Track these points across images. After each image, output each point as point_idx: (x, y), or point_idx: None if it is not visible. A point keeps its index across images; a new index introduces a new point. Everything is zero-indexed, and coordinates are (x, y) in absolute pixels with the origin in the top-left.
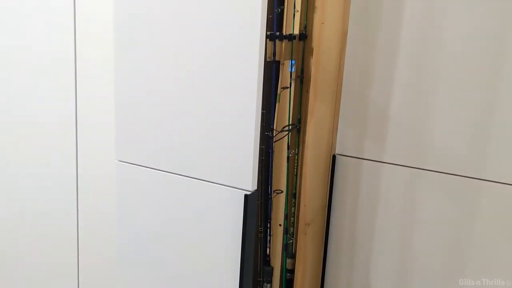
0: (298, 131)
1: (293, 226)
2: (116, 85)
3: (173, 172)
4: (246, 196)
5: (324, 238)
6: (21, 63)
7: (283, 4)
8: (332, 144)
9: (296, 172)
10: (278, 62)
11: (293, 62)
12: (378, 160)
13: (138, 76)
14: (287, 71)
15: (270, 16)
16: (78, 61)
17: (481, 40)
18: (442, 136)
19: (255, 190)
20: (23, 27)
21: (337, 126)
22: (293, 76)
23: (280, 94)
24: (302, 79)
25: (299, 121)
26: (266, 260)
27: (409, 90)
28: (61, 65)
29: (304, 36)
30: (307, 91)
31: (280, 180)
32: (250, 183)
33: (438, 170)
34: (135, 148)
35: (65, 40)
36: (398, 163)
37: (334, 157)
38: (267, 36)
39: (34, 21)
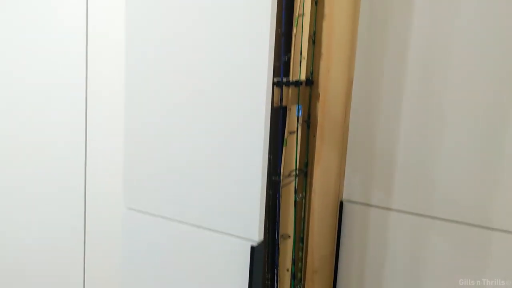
0: (305, 175)
1: (301, 272)
2: (125, 134)
3: (179, 220)
4: (252, 248)
5: (332, 286)
6: (29, 94)
7: (289, 52)
8: (339, 190)
9: (304, 216)
10: (285, 107)
11: (300, 106)
12: (386, 207)
13: (147, 124)
14: (294, 116)
15: (277, 64)
16: (89, 96)
17: (485, 83)
18: (451, 183)
19: (262, 241)
20: (32, 57)
21: (344, 172)
22: (300, 120)
23: (287, 139)
24: (309, 123)
25: (306, 165)
26: None
27: (416, 137)
28: (71, 102)
29: (311, 81)
30: (314, 136)
31: (288, 224)
32: (256, 234)
33: (447, 218)
34: (143, 196)
35: (76, 72)
36: (406, 210)
37: (341, 203)
38: (274, 83)
39: (44, 55)
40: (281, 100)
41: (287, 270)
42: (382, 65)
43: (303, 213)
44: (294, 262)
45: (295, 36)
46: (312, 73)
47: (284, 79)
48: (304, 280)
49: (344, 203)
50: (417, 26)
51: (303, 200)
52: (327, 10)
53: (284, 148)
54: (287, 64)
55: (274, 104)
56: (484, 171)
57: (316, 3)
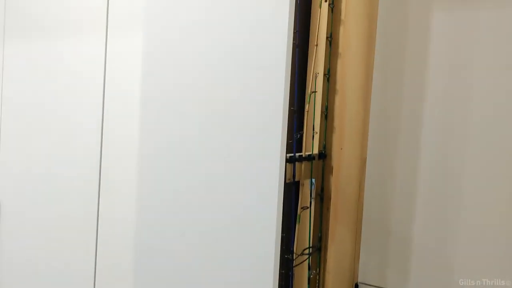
0: (319, 249)
1: None
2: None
3: None
4: None
5: None
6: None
7: (302, 129)
8: (354, 271)
9: None
10: (298, 182)
11: (313, 180)
12: None
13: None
14: (307, 191)
15: (290, 141)
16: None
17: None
18: (470, 266)
19: None
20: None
21: (359, 252)
22: (313, 194)
23: (300, 215)
24: (322, 197)
25: (320, 239)
26: None
27: (433, 218)
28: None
29: (324, 155)
30: (328, 209)
31: None
32: None
33: None
34: None
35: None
36: None
37: (356, 285)
38: (286, 160)
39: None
40: (294, 175)
41: None
42: (395, 143)
43: None
44: None
45: (307, 112)
46: (325, 147)
47: (297, 155)
48: None
49: (359, 286)
50: (431, 104)
51: (317, 277)
52: (339, 85)
53: (297, 224)
54: (299, 140)
55: (286, 180)
56: (506, 251)
57: (328, 80)
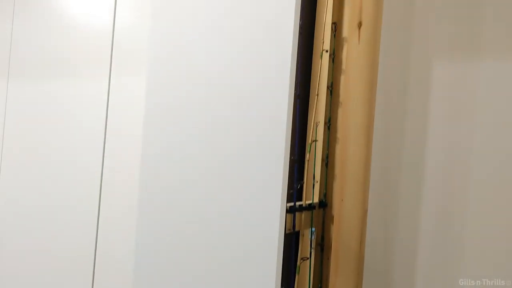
0: None
1: None
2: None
3: None
4: None
5: None
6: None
7: (302, 178)
8: None
9: None
10: (298, 232)
11: (313, 229)
12: None
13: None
14: (307, 241)
15: (291, 191)
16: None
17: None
18: None
19: None
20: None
21: None
22: (313, 244)
23: (299, 266)
24: (322, 246)
25: None
26: None
27: (434, 272)
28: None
29: (324, 204)
30: (328, 258)
31: None
32: None
33: None
34: None
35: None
36: None
37: None
38: (287, 210)
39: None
40: (293, 226)
41: None
42: (397, 194)
43: None
44: None
45: (308, 161)
46: (325, 195)
47: (297, 204)
48: None
49: None
50: (433, 154)
51: None
52: (340, 134)
53: (296, 276)
54: (299, 189)
55: (286, 231)
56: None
57: (329, 128)
